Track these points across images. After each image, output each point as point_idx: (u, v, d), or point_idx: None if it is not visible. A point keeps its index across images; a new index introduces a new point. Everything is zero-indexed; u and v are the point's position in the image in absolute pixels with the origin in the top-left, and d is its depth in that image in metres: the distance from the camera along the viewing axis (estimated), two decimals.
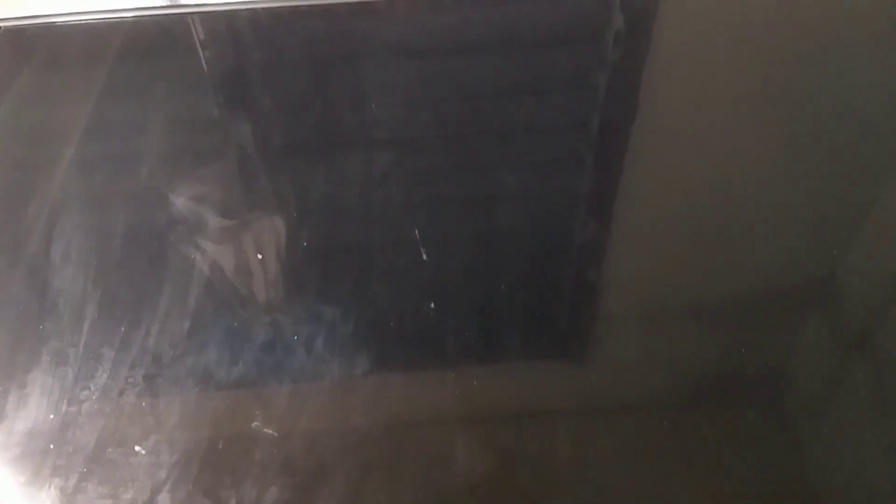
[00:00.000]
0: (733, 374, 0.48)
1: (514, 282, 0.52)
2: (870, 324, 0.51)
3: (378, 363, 0.48)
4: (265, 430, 0.46)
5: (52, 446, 0.45)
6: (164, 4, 0.72)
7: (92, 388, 0.47)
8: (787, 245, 0.55)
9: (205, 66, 0.69)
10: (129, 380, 0.48)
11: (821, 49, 0.69)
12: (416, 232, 0.53)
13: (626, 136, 0.63)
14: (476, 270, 0.53)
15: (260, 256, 0.53)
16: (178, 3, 0.72)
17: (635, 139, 0.63)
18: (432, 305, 0.50)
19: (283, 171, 0.60)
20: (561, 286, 0.53)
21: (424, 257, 0.52)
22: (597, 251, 0.55)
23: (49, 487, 0.44)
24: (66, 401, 0.47)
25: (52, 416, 0.46)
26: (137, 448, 0.45)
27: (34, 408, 0.47)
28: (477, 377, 0.48)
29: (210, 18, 0.72)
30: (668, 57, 0.70)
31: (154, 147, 0.61)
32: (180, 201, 0.57)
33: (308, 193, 0.58)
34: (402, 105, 0.64)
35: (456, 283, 0.52)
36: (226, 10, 0.72)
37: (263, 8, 0.71)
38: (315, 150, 0.61)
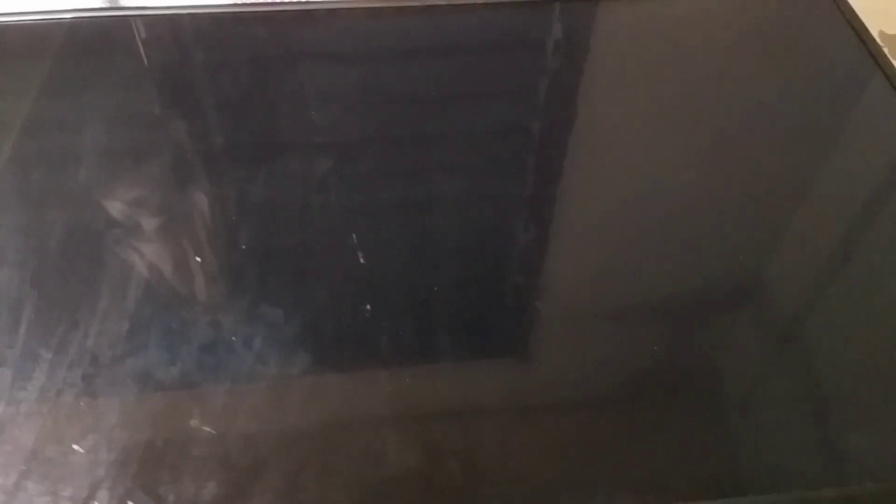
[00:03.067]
0: (662, 371, 0.52)
1: (449, 284, 0.55)
2: (794, 320, 0.56)
3: (314, 363, 0.51)
4: (203, 428, 0.48)
5: None
6: (104, 6, 0.73)
7: (29, 389, 0.49)
8: (713, 246, 0.59)
9: (146, 63, 0.70)
10: (67, 380, 0.49)
11: (751, 58, 0.74)
12: (354, 236, 0.56)
13: (564, 141, 0.67)
14: (412, 273, 0.56)
15: (199, 259, 0.55)
16: (119, 4, 0.73)
17: (572, 145, 0.67)
18: (368, 307, 0.53)
19: (222, 173, 0.62)
20: (495, 288, 0.56)
21: (362, 261, 0.55)
22: (531, 253, 0.58)
23: None
24: (3, 401, 0.49)
25: None
26: (75, 447, 0.47)
27: None
28: (410, 376, 0.51)
29: (152, 21, 0.74)
30: (605, 65, 0.74)
31: (92, 146, 0.63)
32: (118, 202, 0.59)
33: (247, 196, 0.60)
34: (342, 110, 0.66)
35: (392, 285, 0.55)
36: (168, 14, 0.73)
37: (206, 13, 0.73)
38: (255, 152, 0.64)
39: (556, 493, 0.46)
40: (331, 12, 0.73)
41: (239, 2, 0.73)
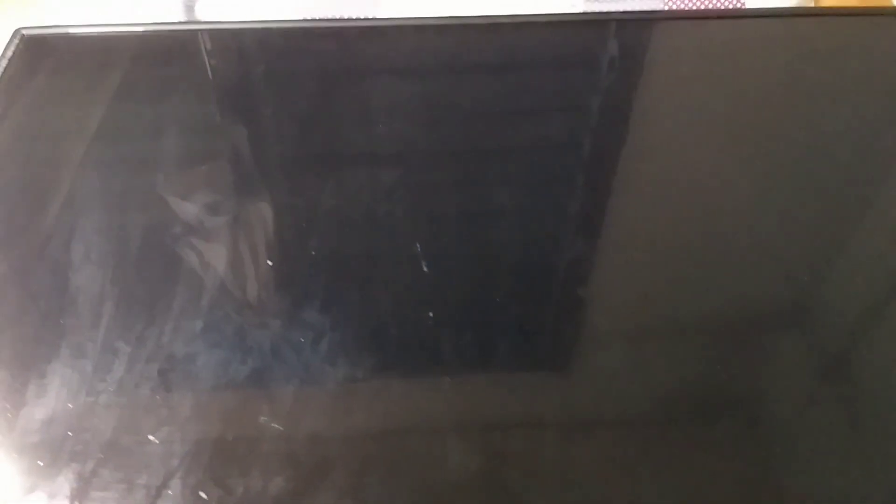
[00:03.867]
0: (712, 390, 0.53)
1: (508, 294, 0.57)
2: (847, 344, 0.56)
3: (379, 367, 0.53)
4: (272, 425, 0.50)
5: (69, 433, 0.49)
6: (177, 21, 0.77)
7: (108, 381, 0.52)
8: (767, 267, 0.60)
9: (210, 75, 0.73)
10: (144, 374, 0.52)
11: (814, 80, 0.75)
12: (418, 245, 0.58)
13: (616, 158, 0.68)
14: (473, 283, 0.58)
15: (270, 262, 0.58)
16: (194, 18, 0.77)
17: (625, 161, 0.68)
18: (431, 314, 0.55)
19: (291, 182, 0.65)
20: (551, 299, 0.57)
21: (425, 269, 0.57)
22: (586, 268, 0.60)
23: (67, 472, 0.48)
24: (83, 391, 0.51)
25: (70, 406, 0.51)
26: (151, 437, 0.49)
27: (53, 397, 0.51)
28: (470, 382, 0.52)
29: (221, 35, 0.77)
30: (659, 84, 0.76)
31: (164, 152, 0.66)
32: (192, 204, 0.61)
33: (316, 204, 0.62)
34: (407, 123, 0.68)
35: (454, 294, 0.57)
36: (237, 28, 0.77)
37: (276, 28, 0.76)
38: (322, 163, 0.66)
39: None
40: (398, 28, 0.76)
41: (309, 17, 0.76)
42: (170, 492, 0.48)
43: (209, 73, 0.74)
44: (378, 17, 0.78)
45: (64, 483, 0.48)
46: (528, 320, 0.56)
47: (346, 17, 0.75)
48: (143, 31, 0.76)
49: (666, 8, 0.89)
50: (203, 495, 0.48)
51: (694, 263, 0.60)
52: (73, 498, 0.47)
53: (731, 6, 0.90)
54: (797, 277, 0.59)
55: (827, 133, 0.69)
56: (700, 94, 0.74)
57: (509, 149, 0.68)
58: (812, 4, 0.92)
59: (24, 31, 0.75)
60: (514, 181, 0.66)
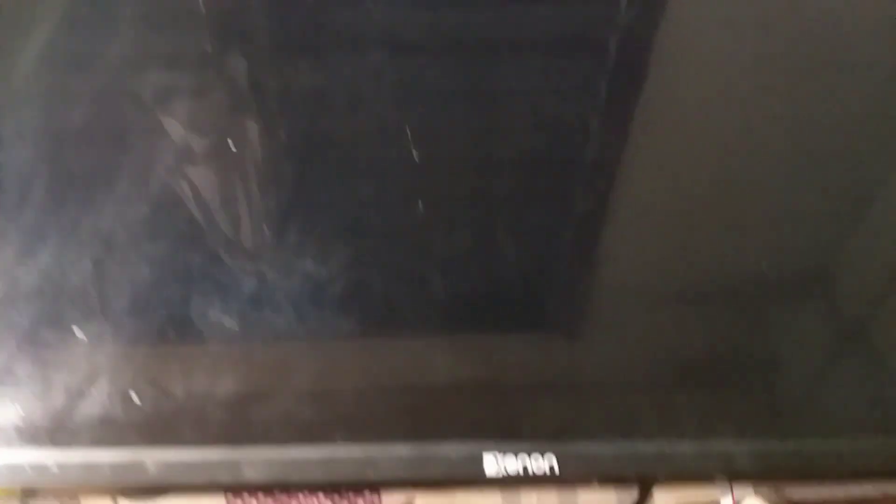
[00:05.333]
0: (728, 355, 0.45)
1: (508, 189, 0.49)
2: (869, 310, 0.48)
3: (357, 260, 0.45)
4: (224, 321, 0.42)
5: None
6: None
7: (31, 266, 0.44)
8: (791, 230, 0.51)
9: None
10: (75, 262, 0.44)
11: (863, 40, 0.65)
12: (408, 130, 0.50)
13: (634, 104, 0.59)
14: (469, 174, 0.50)
15: (231, 144, 0.50)
16: None
17: (642, 109, 0.58)
18: (420, 206, 0.47)
19: (266, 59, 0.57)
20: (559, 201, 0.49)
21: (415, 157, 0.49)
22: (597, 221, 0.51)
23: None
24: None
25: None
26: (76, 329, 0.42)
27: None
28: (463, 280, 0.44)
29: None
30: (684, 22, 0.66)
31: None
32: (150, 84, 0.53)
33: (292, 87, 0.54)
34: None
35: (447, 185, 0.49)
36: None
37: None
38: (302, 44, 0.58)
39: None
40: None
41: None
42: (94, 392, 0.40)
43: None
44: None
45: None
46: (527, 213, 0.48)
47: None
48: None
49: None
50: (134, 397, 0.40)
51: (714, 221, 0.51)
52: None
53: None
54: (821, 240, 0.50)
55: (874, 80, 0.60)
56: (729, 34, 0.64)
57: (516, 42, 0.60)
58: None
59: None
60: (522, 71, 0.57)
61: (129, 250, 0.45)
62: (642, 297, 0.46)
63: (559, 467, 0.39)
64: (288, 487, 0.43)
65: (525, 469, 0.39)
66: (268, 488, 0.42)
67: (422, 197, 0.47)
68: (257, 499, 0.46)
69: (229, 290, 0.43)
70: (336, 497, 0.45)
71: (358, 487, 0.41)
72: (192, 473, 0.38)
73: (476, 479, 0.39)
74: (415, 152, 0.48)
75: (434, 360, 0.42)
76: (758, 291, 0.47)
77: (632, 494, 0.48)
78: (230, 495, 0.46)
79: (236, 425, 0.40)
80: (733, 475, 0.40)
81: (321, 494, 0.45)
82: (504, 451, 0.39)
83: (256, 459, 0.38)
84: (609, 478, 0.40)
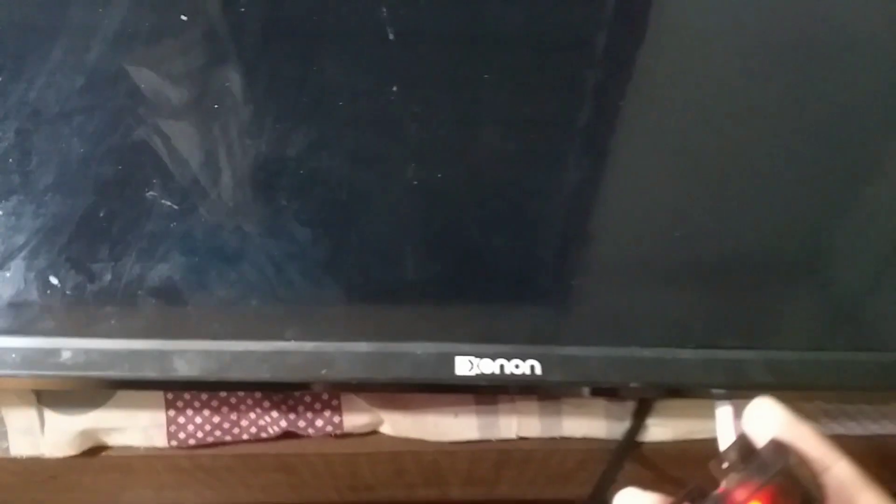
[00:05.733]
0: (719, 329, 0.40)
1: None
2: (862, 287, 0.43)
3: (323, 145, 0.39)
4: (163, 201, 0.37)
5: None
6: None
7: None
8: (783, 203, 0.45)
9: None
10: None
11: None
12: (384, 10, 0.44)
13: (629, 71, 0.52)
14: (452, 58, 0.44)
15: (184, 18, 0.44)
16: None
17: (637, 76, 0.52)
18: (395, 89, 0.41)
19: None
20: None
21: (391, 36, 0.43)
22: (588, 192, 0.45)
23: None
24: None
25: None
26: None
27: None
28: (439, 167, 0.39)
29: None
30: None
31: None
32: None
33: None
34: None
35: (427, 67, 0.43)
36: None
37: None
38: None
39: None
40: None
41: None
42: (7, 274, 0.35)
43: None
44: None
45: None
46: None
47: None
48: None
49: None
50: (54, 280, 0.35)
51: (707, 193, 0.45)
52: None
53: None
54: (814, 214, 0.45)
55: (875, 57, 0.54)
56: (724, 14, 0.57)
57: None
58: None
59: None
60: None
61: (59, 125, 0.39)
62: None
63: (542, 371, 0.34)
64: (227, 387, 0.37)
65: (502, 369, 0.33)
66: (203, 386, 0.37)
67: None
68: (202, 415, 0.40)
69: (173, 165, 0.38)
70: (293, 416, 0.39)
71: (309, 388, 0.36)
72: (115, 365, 0.33)
73: (446, 381, 0.33)
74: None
75: (405, 258, 0.37)
76: None
77: (623, 424, 0.42)
78: (171, 411, 0.40)
79: (170, 316, 0.35)
80: (744, 386, 0.35)
81: (275, 412, 0.39)
82: (480, 355, 0.34)
83: (190, 351, 0.33)
84: (600, 386, 0.35)
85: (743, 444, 0.27)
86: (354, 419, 0.41)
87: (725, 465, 0.27)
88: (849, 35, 0.51)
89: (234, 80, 0.41)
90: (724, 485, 0.27)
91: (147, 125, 0.39)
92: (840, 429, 0.46)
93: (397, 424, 0.41)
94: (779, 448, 0.27)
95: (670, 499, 0.28)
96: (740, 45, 0.51)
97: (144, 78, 0.40)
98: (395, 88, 0.41)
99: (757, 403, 0.29)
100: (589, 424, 0.42)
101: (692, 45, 0.51)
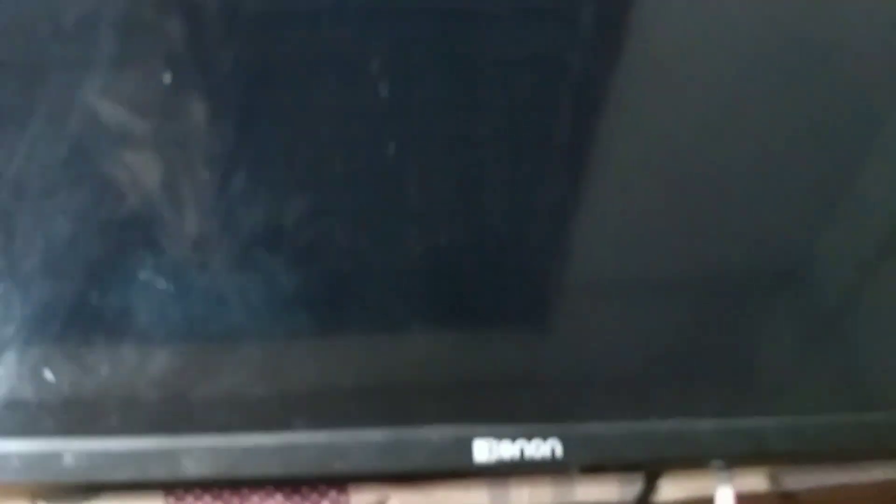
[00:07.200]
0: (704, 346, 0.40)
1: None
2: (845, 300, 0.43)
3: (319, 210, 0.39)
4: (159, 279, 0.36)
5: None
6: None
7: None
8: (768, 217, 0.46)
9: None
10: None
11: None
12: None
13: (608, 83, 0.53)
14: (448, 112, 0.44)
15: (168, 78, 0.43)
16: None
17: (618, 89, 0.52)
18: (392, 147, 0.41)
19: None
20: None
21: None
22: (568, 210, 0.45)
23: None
24: None
25: None
26: None
27: None
28: (442, 230, 0.39)
29: None
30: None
31: None
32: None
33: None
34: None
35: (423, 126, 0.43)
36: None
37: None
38: None
39: None
40: None
41: None
42: (1, 370, 0.34)
43: None
44: None
45: None
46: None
47: None
48: None
49: None
50: (49, 375, 0.34)
51: (692, 209, 0.46)
52: None
53: None
54: (800, 228, 0.45)
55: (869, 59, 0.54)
56: (711, 23, 0.57)
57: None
58: None
59: None
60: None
61: (45, 202, 0.38)
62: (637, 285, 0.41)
63: (564, 452, 0.33)
64: (238, 484, 0.37)
65: (522, 453, 0.33)
66: (213, 484, 0.36)
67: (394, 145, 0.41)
68: (203, 502, 0.39)
69: (166, 248, 0.37)
70: (297, 498, 0.39)
71: (323, 481, 0.36)
72: (120, 467, 0.32)
73: (464, 469, 0.33)
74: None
75: (413, 334, 0.37)
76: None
77: (635, 487, 0.43)
78: (171, 498, 0.39)
79: (173, 409, 0.34)
80: (765, 455, 0.35)
81: (279, 496, 0.39)
82: (499, 437, 0.34)
83: (198, 449, 0.32)
84: (620, 463, 0.35)
85: None
86: (362, 498, 0.40)
87: None
88: (837, 51, 0.52)
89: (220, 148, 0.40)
90: None
91: (139, 196, 0.38)
92: (845, 477, 0.47)
93: (406, 500, 0.41)
94: None
95: None
96: (725, 68, 0.51)
97: (133, 147, 0.39)
98: (391, 148, 0.41)
99: None
100: (601, 489, 0.42)
101: (673, 70, 0.51)
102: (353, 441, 0.33)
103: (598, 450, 0.34)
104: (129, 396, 0.34)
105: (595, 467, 0.35)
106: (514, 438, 0.34)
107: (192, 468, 0.32)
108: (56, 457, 0.32)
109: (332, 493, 0.39)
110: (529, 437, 0.34)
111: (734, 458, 0.37)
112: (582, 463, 0.33)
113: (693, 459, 0.36)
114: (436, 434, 0.34)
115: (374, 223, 0.39)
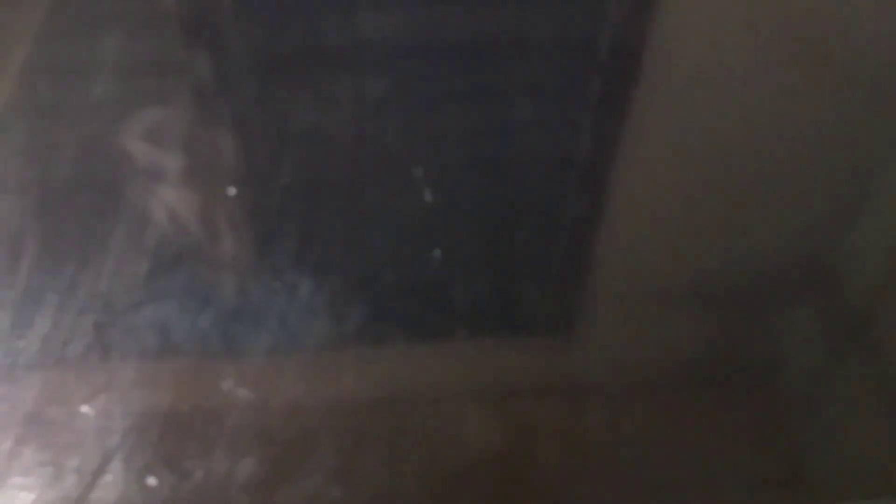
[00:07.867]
0: (728, 357, 0.45)
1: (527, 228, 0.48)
2: (870, 310, 0.48)
3: (374, 320, 0.44)
4: (238, 392, 0.42)
5: None
6: None
7: (30, 338, 0.43)
8: (794, 225, 0.51)
9: None
10: (76, 329, 0.43)
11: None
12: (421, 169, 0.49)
13: (626, 100, 0.58)
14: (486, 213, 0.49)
15: (233, 191, 0.49)
16: None
17: (636, 104, 0.58)
18: (437, 254, 0.46)
19: (257, 96, 0.55)
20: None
21: (428, 198, 0.48)
22: (593, 223, 0.51)
23: None
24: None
25: None
26: (84, 408, 0.41)
27: None
28: (490, 335, 0.44)
29: None
30: (679, 12, 0.65)
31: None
32: (135, 130, 0.52)
33: (288, 124, 0.53)
34: (397, 23, 0.59)
35: (465, 227, 0.48)
36: None
37: None
38: (296, 73, 0.57)
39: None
40: None
41: None
42: (109, 477, 0.39)
43: None
44: None
45: None
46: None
47: None
48: None
49: None
50: (152, 481, 0.39)
51: (713, 219, 0.51)
52: None
53: None
54: (821, 238, 0.50)
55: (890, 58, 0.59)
56: (723, 29, 0.63)
57: (522, 43, 0.58)
58: None
59: None
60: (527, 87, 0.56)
61: (133, 312, 0.44)
62: None
63: None
64: None
65: None
66: None
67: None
68: None
69: (246, 354, 0.42)
70: None
71: None
72: None
73: None
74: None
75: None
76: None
77: None
78: None
79: None
80: None
81: None
82: None
83: None
84: None
85: None
86: None
87: None
88: (852, 52, 0.56)
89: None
90: None
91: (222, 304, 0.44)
92: None
93: None
94: None
95: None
96: (745, 70, 0.57)
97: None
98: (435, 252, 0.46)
99: None
100: None
101: (688, 80, 0.57)
102: None
103: None
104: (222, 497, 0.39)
105: None
106: None
107: None
108: None
109: None
110: None
111: None
112: None
113: None
114: None
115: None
